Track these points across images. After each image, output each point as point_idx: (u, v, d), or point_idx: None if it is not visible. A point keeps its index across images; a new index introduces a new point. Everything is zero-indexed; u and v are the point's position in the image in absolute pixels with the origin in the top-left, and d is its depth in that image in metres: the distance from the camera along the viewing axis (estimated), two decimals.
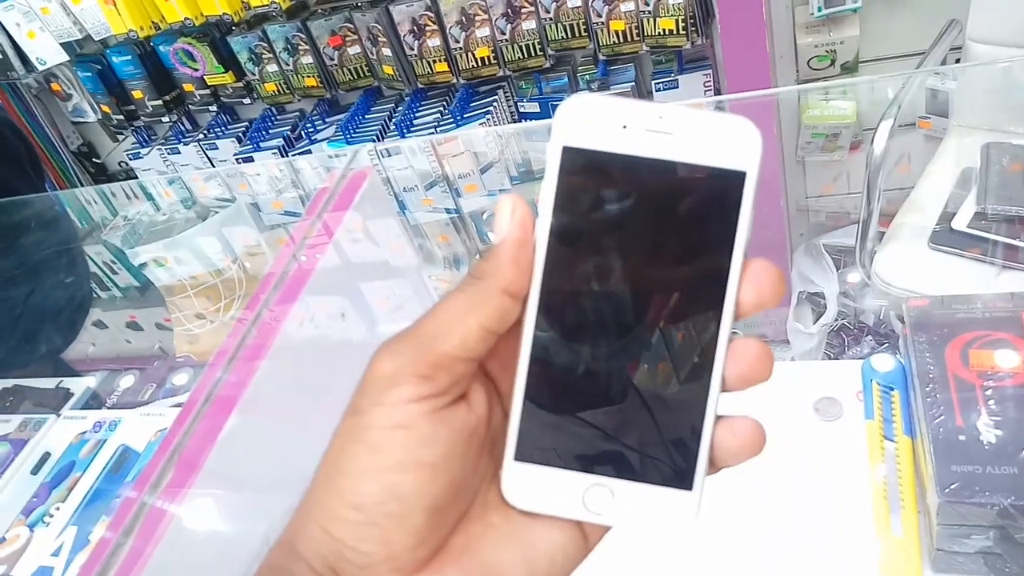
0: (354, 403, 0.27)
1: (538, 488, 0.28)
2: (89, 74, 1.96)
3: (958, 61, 1.47)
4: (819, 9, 1.55)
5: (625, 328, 0.27)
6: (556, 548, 0.28)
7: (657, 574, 0.65)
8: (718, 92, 1.66)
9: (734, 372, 0.28)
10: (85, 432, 0.94)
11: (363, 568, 0.26)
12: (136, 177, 1.93)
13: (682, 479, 0.27)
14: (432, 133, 1.70)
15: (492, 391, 0.29)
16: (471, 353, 0.27)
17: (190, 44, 1.81)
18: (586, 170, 0.27)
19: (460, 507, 0.28)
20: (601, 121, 0.27)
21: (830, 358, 1.55)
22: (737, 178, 0.27)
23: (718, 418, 0.27)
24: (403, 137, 1.71)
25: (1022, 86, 1.35)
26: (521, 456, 0.28)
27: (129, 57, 1.90)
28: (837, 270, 1.68)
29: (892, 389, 0.70)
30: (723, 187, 0.27)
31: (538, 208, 0.28)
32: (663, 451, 0.28)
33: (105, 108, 2.01)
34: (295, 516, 0.27)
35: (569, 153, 0.27)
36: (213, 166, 1.95)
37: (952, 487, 0.55)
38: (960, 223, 1.23)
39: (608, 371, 0.28)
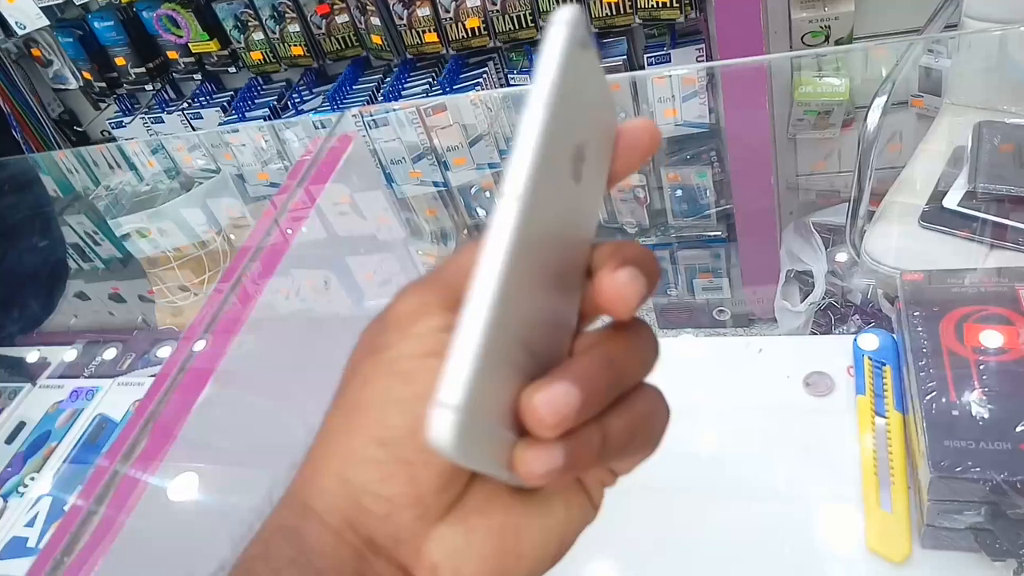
0: (375, 343, 0.25)
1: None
2: (70, 40, 1.91)
3: (953, 38, 1.46)
4: None
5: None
6: (572, 507, 0.27)
7: (643, 550, 0.64)
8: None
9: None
10: (62, 401, 0.92)
11: (385, 517, 0.24)
12: (119, 147, 1.89)
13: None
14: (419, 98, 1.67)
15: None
16: None
17: (174, 10, 1.77)
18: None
19: None
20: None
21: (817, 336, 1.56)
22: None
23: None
24: (392, 110, 1.68)
25: (1015, 64, 1.35)
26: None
27: (111, 23, 1.85)
28: (826, 248, 1.68)
29: (884, 364, 0.70)
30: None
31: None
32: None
33: (87, 75, 1.97)
34: (302, 471, 0.26)
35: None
36: (198, 137, 1.92)
37: (944, 462, 0.54)
38: (951, 202, 1.22)
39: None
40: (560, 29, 0.23)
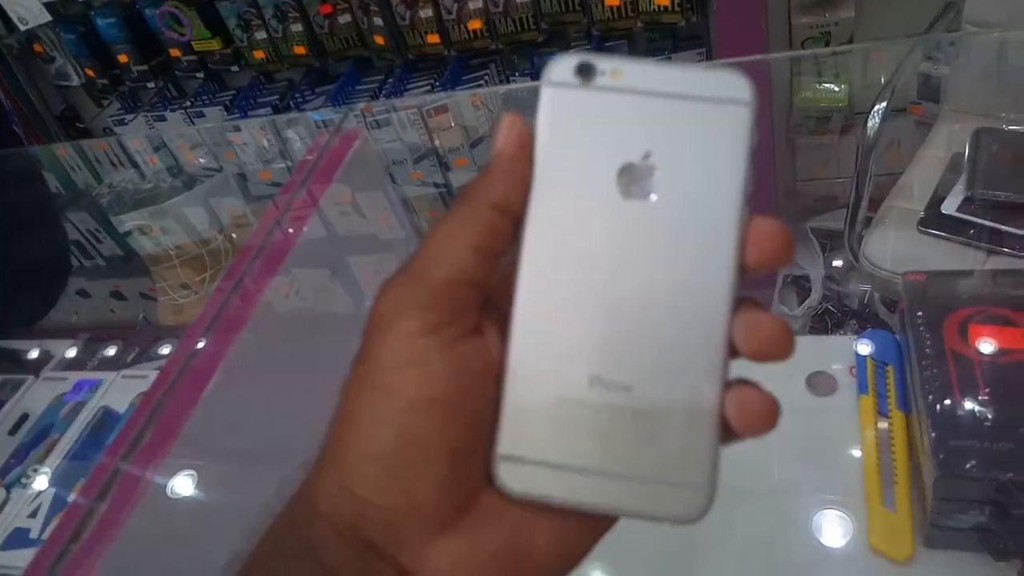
0: (361, 349, 0.25)
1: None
2: (72, 36, 1.91)
3: (952, 44, 1.47)
4: None
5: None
6: (586, 518, 0.26)
7: (644, 550, 0.64)
8: None
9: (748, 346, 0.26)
10: (65, 394, 0.92)
11: (387, 525, 0.24)
12: (121, 144, 1.89)
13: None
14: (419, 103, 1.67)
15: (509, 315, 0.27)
16: (468, 276, 0.25)
17: (177, 8, 1.77)
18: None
19: (485, 454, 0.26)
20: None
21: None
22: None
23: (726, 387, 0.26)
24: (393, 110, 1.68)
25: (1015, 71, 1.35)
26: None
27: (114, 19, 1.85)
28: (823, 254, 1.68)
29: (887, 364, 0.70)
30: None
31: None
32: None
33: (89, 72, 1.96)
34: (312, 470, 0.26)
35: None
36: (199, 134, 1.91)
37: (950, 461, 0.55)
38: (949, 208, 1.23)
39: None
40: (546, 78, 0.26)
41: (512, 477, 0.25)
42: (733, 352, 0.26)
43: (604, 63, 0.26)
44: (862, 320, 1.57)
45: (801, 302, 1.65)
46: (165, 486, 0.66)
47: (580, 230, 0.26)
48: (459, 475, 0.25)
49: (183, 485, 0.68)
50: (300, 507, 0.25)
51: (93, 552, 0.59)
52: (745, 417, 0.25)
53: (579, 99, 0.26)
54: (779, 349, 0.25)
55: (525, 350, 0.26)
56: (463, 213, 0.26)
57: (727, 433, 0.25)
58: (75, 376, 0.94)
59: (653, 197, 0.26)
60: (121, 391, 0.89)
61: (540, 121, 0.26)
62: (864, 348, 0.72)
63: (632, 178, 0.26)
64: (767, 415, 0.25)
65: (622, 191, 0.26)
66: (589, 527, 0.26)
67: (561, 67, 0.26)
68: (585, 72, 0.26)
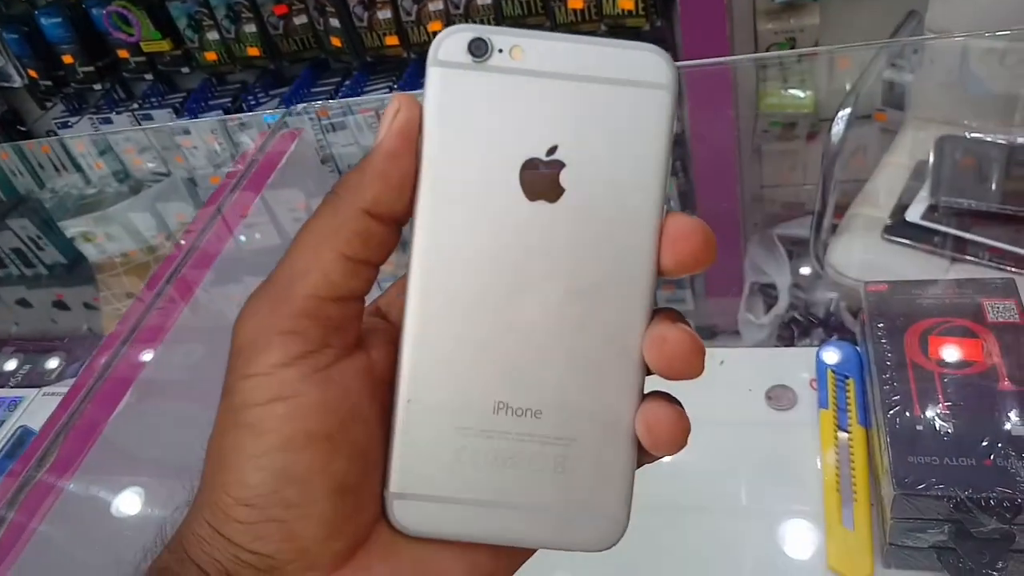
0: (225, 383, 0.22)
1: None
2: (15, 36, 1.85)
3: (916, 52, 1.46)
4: None
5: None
6: (499, 549, 0.24)
7: (601, 567, 0.61)
8: None
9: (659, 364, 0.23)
10: None
11: (268, 572, 0.21)
12: (66, 148, 1.83)
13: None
14: (377, 104, 1.64)
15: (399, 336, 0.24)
16: (340, 291, 0.22)
17: (125, 7, 1.72)
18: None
19: (376, 483, 0.23)
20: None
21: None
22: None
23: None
24: (351, 114, 1.64)
25: (976, 79, 1.35)
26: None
27: (59, 19, 1.79)
28: (790, 261, 1.67)
29: (847, 377, 0.67)
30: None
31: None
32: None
33: (32, 73, 1.90)
34: (188, 512, 0.23)
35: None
36: (147, 137, 1.86)
37: (908, 479, 0.52)
38: (914, 215, 1.22)
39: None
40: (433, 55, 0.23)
41: (407, 516, 0.23)
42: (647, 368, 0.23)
43: (501, 38, 0.23)
44: (829, 329, 1.55)
45: (768, 310, 1.64)
46: (77, 496, 0.62)
47: (477, 237, 0.23)
48: (347, 510, 0.22)
49: (95, 496, 0.64)
50: (173, 553, 0.22)
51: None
52: (651, 437, 0.22)
53: (473, 82, 0.22)
54: (687, 365, 0.22)
55: (418, 376, 0.23)
56: (331, 219, 0.22)
57: (640, 452, 0.23)
58: None
59: (560, 197, 0.22)
60: (42, 409, 0.84)
61: (427, 109, 0.23)
62: (826, 357, 0.70)
63: (536, 176, 0.22)
64: (676, 433, 0.22)
65: (525, 191, 0.22)
66: (503, 557, 0.24)
67: (450, 43, 0.23)
68: (479, 49, 0.22)
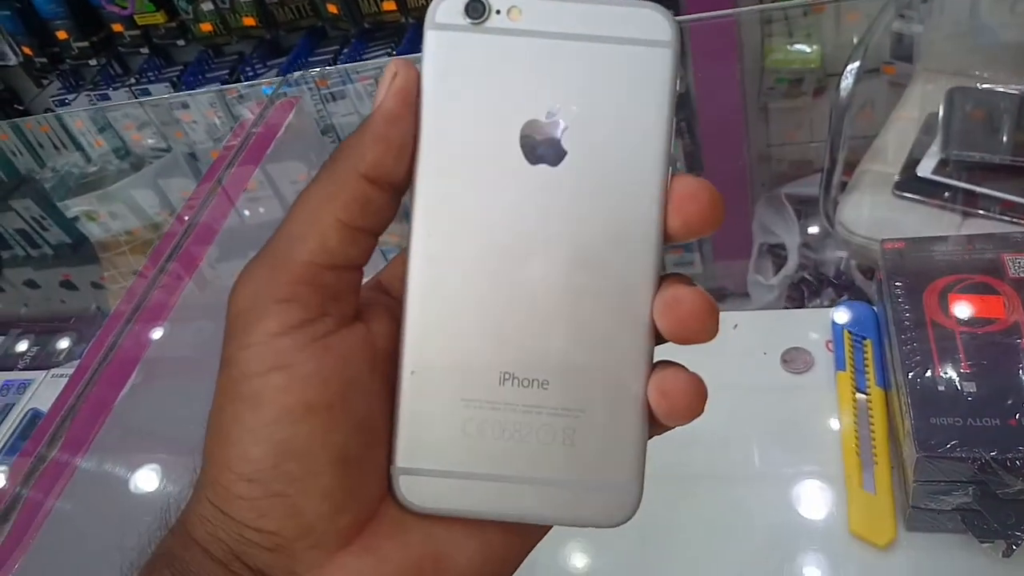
0: (223, 353, 0.22)
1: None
2: (7, 13, 1.83)
3: (925, 2, 1.43)
4: None
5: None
6: (510, 531, 0.23)
7: (618, 535, 0.61)
8: None
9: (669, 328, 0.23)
10: None
11: (274, 550, 0.21)
12: (64, 126, 1.82)
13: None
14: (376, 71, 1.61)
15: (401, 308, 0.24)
16: (337, 258, 0.22)
17: None
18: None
19: (380, 457, 0.22)
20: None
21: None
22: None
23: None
24: (350, 83, 1.62)
25: (986, 28, 1.32)
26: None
27: None
28: (799, 220, 1.65)
29: (864, 338, 0.66)
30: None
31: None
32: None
33: (27, 50, 1.88)
34: (192, 493, 0.23)
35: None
36: (146, 113, 1.84)
37: (931, 441, 0.51)
38: (925, 170, 1.20)
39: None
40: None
41: (414, 491, 0.22)
42: (658, 334, 0.23)
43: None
44: (839, 288, 1.54)
45: (777, 271, 1.63)
46: (88, 475, 0.62)
47: (478, 202, 0.22)
48: (353, 484, 0.21)
49: (105, 475, 0.64)
50: (176, 537, 0.22)
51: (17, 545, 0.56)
52: (667, 404, 0.22)
53: (471, 44, 0.22)
54: (702, 327, 0.22)
55: (422, 348, 0.22)
56: (329, 184, 0.22)
57: (652, 422, 0.23)
58: (1, 377, 0.89)
59: (562, 160, 0.22)
60: (51, 391, 0.84)
61: (426, 72, 0.22)
62: (841, 317, 0.69)
63: (537, 138, 0.22)
64: (692, 400, 0.22)
65: (526, 154, 0.22)
66: (516, 535, 0.23)
67: (447, 6, 0.22)
68: (476, 10, 0.22)
